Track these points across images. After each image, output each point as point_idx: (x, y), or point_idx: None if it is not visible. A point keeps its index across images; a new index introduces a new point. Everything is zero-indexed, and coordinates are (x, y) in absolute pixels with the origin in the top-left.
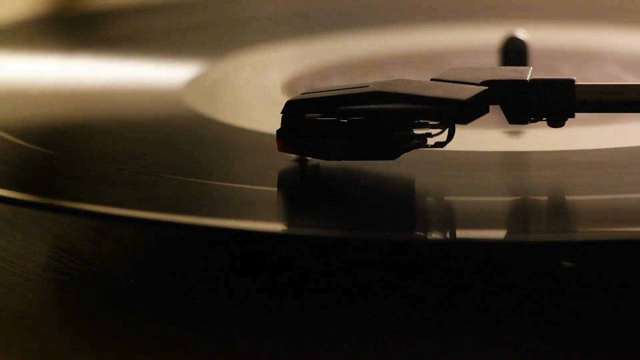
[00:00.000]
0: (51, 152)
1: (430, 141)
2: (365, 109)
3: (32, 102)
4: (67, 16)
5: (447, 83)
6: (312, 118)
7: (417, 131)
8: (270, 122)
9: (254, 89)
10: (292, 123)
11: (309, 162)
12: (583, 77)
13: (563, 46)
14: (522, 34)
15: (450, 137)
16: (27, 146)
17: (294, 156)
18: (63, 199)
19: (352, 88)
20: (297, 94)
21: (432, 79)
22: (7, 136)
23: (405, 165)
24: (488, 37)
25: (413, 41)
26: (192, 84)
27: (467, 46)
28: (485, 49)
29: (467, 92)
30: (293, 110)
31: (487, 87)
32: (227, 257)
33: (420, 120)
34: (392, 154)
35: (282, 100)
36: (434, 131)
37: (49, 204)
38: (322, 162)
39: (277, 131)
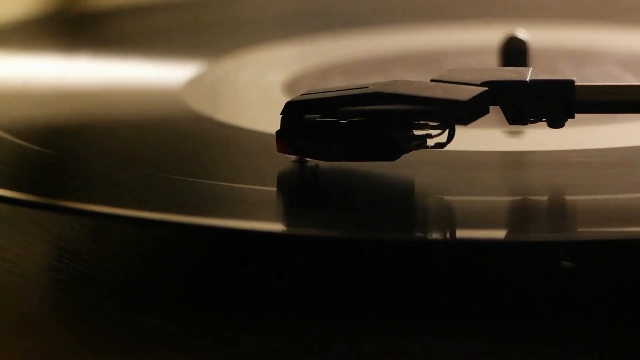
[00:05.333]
0: (51, 152)
1: (430, 142)
2: (365, 110)
3: (32, 102)
4: (67, 16)
5: (447, 84)
6: (311, 119)
7: (417, 132)
8: (270, 122)
9: (254, 89)
10: (291, 124)
11: (308, 163)
12: (583, 77)
13: (563, 46)
14: (522, 34)
15: (450, 138)
16: (27, 146)
17: (293, 157)
18: (63, 198)
19: (352, 89)
20: (297, 94)
21: (431, 80)
22: (7, 136)
23: (405, 165)
24: (488, 37)
25: (413, 41)
26: (192, 84)
27: (467, 46)
28: (485, 49)
29: (467, 93)
30: (292, 111)
31: (487, 88)
32: (227, 257)
33: (420, 121)
34: (392, 155)
35: (282, 100)
36: (434, 132)
37: (49, 204)
38: (322, 163)
39: (277, 132)
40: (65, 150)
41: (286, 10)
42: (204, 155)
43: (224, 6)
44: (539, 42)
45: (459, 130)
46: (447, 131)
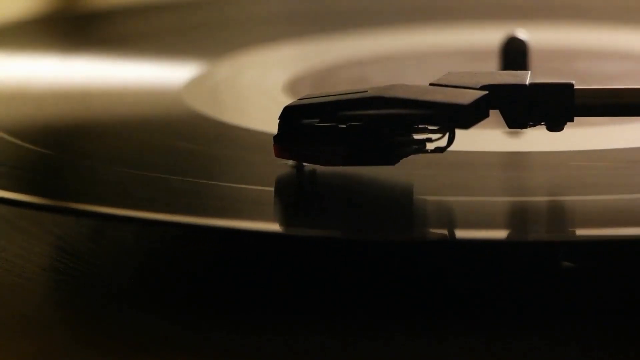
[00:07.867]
0: (51, 152)
1: (430, 146)
2: (364, 114)
3: (31, 102)
4: (67, 16)
5: (446, 88)
6: (310, 124)
7: (416, 136)
8: (270, 122)
9: (254, 89)
10: (289, 129)
11: (305, 167)
12: (582, 77)
13: (563, 46)
14: (522, 34)
15: (450, 142)
16: (26, 146)
17: (291, 161)
18: (63, 199)
19: (351, 93)
20: (298, 94)
21: (430, 84)
22: (6, 136)
23: (404, 166)
24: (488, 37)
25: (413, 41)
26: (192, 84)
27: (467, 46)
28: (486, 49)
29: (467, 96)
30: (291, 116)
31: (487, 92)
32: (227, 257)
33: (420, 125)
34: (391, 160)
35: (283, 100)
36: (433, 136)
37: (49, 205)
38: (320, 168)
39: (274, 137)
40: (64, 151)
41: (286, 10)
42: (205, 155)
43: (224, 6)
44: (539, 42)
45: (458, 130)
46: (446, 135)
